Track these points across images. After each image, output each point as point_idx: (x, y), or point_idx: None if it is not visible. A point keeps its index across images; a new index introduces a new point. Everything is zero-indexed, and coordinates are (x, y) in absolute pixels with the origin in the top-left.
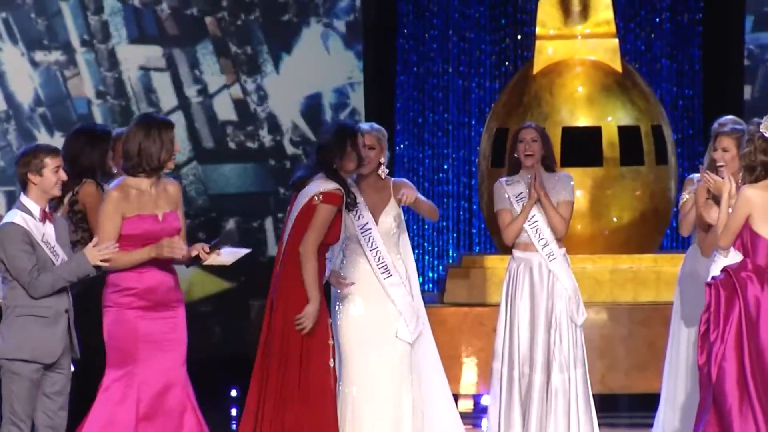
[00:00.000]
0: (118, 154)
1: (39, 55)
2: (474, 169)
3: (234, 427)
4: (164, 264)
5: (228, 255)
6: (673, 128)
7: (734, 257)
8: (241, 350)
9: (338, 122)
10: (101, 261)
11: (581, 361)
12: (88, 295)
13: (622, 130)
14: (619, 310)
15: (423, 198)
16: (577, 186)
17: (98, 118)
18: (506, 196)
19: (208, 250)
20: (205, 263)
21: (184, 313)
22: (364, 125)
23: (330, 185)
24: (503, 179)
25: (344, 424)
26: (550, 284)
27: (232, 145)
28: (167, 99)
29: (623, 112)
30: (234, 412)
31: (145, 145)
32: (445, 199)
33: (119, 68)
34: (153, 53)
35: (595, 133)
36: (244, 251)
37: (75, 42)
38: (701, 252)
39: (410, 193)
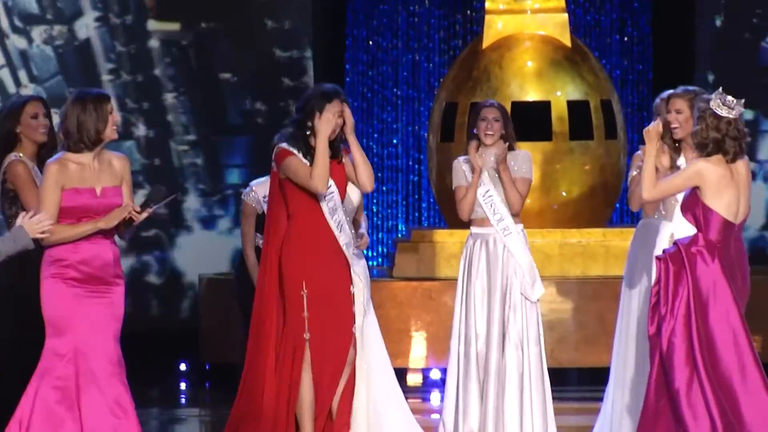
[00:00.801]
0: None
1: None
2: (423, 143)
3: (183, 400)
4: (102, 239)
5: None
6: (623, 103)
7: (679, 221)
8: (189, 325)
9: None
10: (39, 234)
11: (536, 339)
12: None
13: (571, 104)
14: (569, 284)
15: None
16: None
17: None
18: (464, 173)
19: (139, 209)
20: (137, 222)
21: (123, 290)
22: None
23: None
24: (462, 158)
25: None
26: (505, 260)
27: None
28: None
29: (572, 87)
30: (183, 385)
31: (82, 119)
32: (395, 174)
33: None
34: None
35: (544, 107)
36: (170, 197)
37: None
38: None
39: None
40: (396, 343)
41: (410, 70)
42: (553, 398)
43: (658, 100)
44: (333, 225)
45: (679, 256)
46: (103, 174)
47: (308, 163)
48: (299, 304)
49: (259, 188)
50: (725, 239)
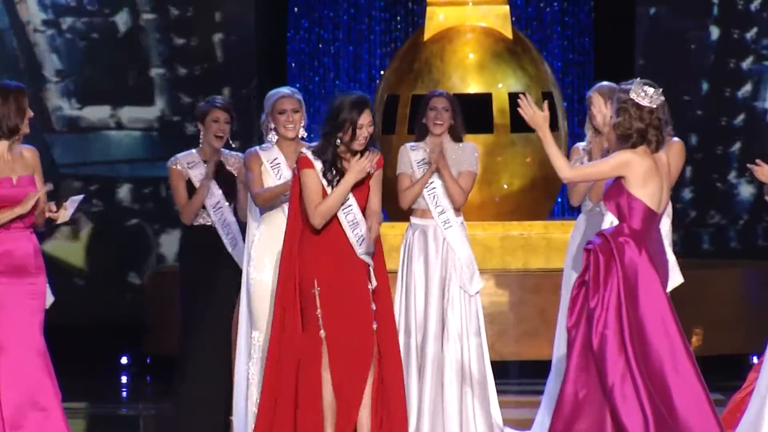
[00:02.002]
0: None
1: None
2: None
3: (124, 394)
4: (21, 230)
5: (71, 207)
6: (564, 94)
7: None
8: (131, 318)
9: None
10: None
11: (476, 331)
12: None
13: (512, 96)
14: (510, 276)
15: None
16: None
17: None
18: (409, 160)
19: (55, 209)
20: (59, 221)
21: (45, 280)
22: (285, 89)
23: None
24: (409, 144)
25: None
26: (444, 253)
27: None
28: None
29: (514, 79)
30: (124, 379)
31: (2, 111)
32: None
33: None
34: None
35: (485, 99)
36: (80, 197)
37: None
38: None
39: None
40: None
41: (351, 63)
42: (496, 391)
43: (589, 93)
44: (353, 239)
45: (607, 246)
46: (16, 164)
47: (324, 182)
48: (312, 303)
49: (183, 158)
50: (649, 228)
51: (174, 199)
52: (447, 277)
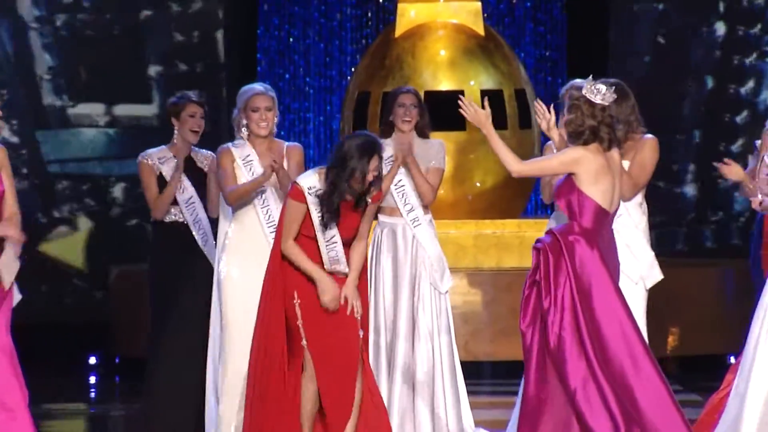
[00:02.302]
0: None
1: None
2: (336, 134)
3: (92, 394)
4: None
5: (5, 266)
6: (537, 91)
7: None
8: (99, 317)
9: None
10: None
11: (446, 329)
12: None
13: (484, 93)
14: (483, 275)
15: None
16: None
17: None
18: None
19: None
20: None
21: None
22: (259, 86)
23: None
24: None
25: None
26: (413, 251)
27: None
28: None
29: (486, 76)
30: (93, 379)
31: None
32: (308, 165)
33: None
34: None
35: (457, 97)
36: (16, 264)
37: None
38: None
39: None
40: None
41: (322, 60)
42: (468, 392)
43: (563, 90)
44: (327, 263)
45: (557, 244)
46: None
47: (317, 221)
48: (293, 314)
49: (154, 153)
50: (600, 227)
51: (144, 194)
52: (417, 275)
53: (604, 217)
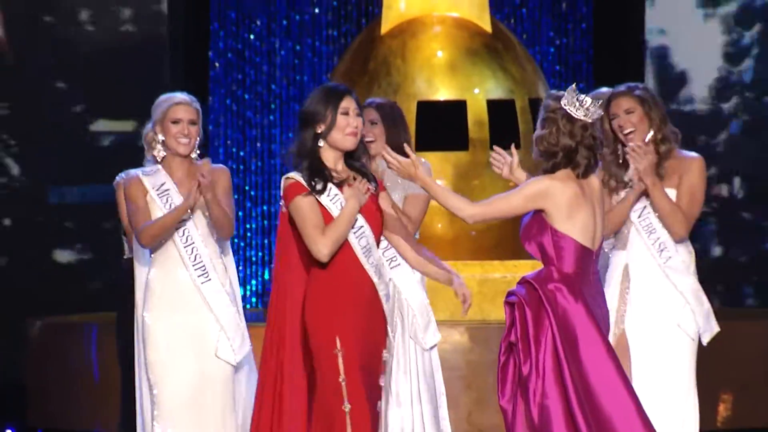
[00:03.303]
0: None
1: None
2: None
3: None
4: None
5: None
6: None
7: (633, 250)
8: (15, 376)
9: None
10: None
11: (431, 394)
12: None
13: (492, 104)
14: (490, 330)
15: (222, 201)
16: (435, 175)
17: None
18: None
19: None
20: None
21: None
22: (181, 95)
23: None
24: None
25: None
26: (393, 297)
27: None
28: None
29: (493, 83)
30: None
31: None
32: (274, 192)
33: None
34: None
35: (458, 108)
36: None
37: None
38: None
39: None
40: None
41: (291, 62)
42: None
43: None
44: (369, 269)
45: (535, 296)
46: None
47: (328, 199)
48: (333, 367)
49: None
50: (583, 270)
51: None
52: (394, 327)
53: (588, 258)
